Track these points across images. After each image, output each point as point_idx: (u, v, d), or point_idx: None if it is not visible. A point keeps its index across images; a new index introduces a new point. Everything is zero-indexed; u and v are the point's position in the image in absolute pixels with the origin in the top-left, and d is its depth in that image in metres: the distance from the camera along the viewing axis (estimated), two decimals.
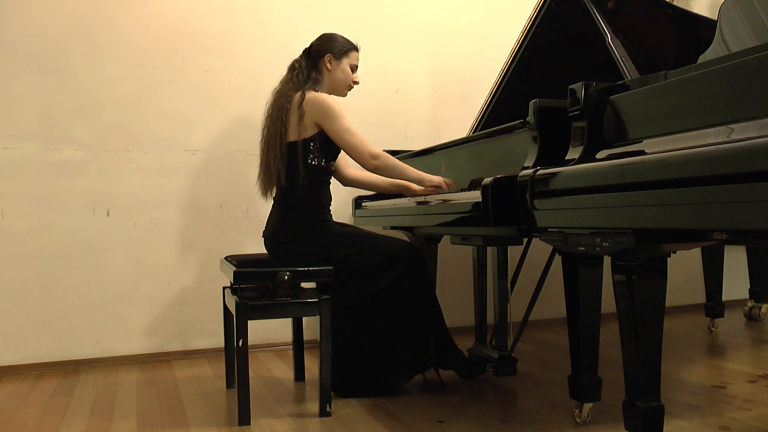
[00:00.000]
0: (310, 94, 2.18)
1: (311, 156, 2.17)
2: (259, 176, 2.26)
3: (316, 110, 2.15)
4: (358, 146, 2.18)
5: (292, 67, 2.29)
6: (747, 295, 3.37)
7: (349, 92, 2.39)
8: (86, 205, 2.70)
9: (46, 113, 2.65)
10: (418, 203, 2.22)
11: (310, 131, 2.16)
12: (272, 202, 2.30)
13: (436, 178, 2.19)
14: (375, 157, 2.18)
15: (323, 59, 2.29)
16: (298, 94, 2.19)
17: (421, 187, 2.23)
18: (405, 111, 3.24)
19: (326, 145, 2.20)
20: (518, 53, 2.36)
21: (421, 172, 2.23)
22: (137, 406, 2.10)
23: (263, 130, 2.26)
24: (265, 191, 2.25)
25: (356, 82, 2.37)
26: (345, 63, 2.32)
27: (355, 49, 2.35)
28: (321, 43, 2.31)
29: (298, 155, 2.15)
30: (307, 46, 2.34)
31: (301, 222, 2.18)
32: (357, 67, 2.36)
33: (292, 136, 2.16)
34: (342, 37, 2.33)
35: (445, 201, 2.04)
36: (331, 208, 2.30)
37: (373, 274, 2.14)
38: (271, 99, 2.26)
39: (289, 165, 2.16)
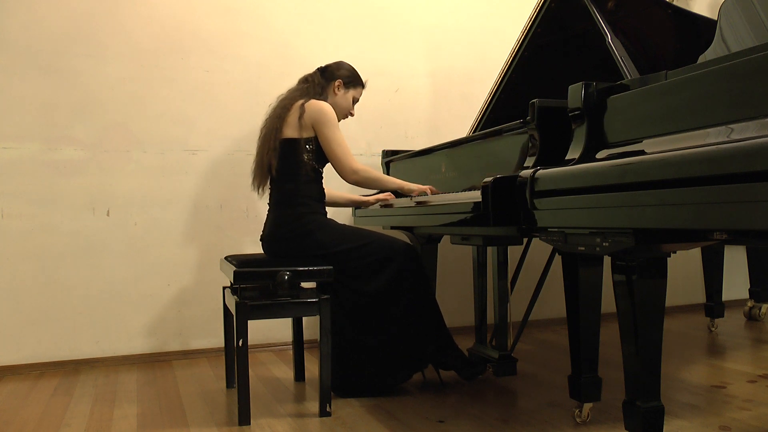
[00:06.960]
0: (314, 100, 2.26)
1: (307, 155, 2.22)
2: (252, 171, 2.31)
3: (316, 113, 2.21)
4: (342, 159, 2.24)
5: (305, 80, 2.38)
6: (747, 295, 3.38)
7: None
8: (86, 205, 2.70)
9: (46, 113, 2.65)
10: (418, 203, 2.22)
11: (309, 132, 2.22)
12: (268, 206, 2.31)
13: (417, 188, 2.26)
14: (355, 172, 2.25)
15: (334, 82, 2.38)
16: (303, 99, 2.26)
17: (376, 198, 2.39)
18: (405, 111, 3.24)
19: (320, 150, 2.25)
20: (518, 53, 2.36)
21: (401, 182, 2.30)
22: (137, 406, 2.10)
23: (261, 129, 2.30)
24: (257, 185, 2.29)
25: (352, 114, 2.47)
26: (350, 94, 2.42)
27: (363, 85, 2.46)
28: (336, 68, 2.41)
29: (294, 151, 2.20)
30: (323, 65, 2.41)
31: (299, 216, 2.20)
32: (358, 101, 2.47)
33: (292, 133, 2.21)
34: (355, 70, 2.43)
35: (445, 201, 2.04)
36: (330, 208, 2.31)
37: (371, 273, 2.15)
38: (274, 103, 2.32)
39: (285, 160, 2.21)
